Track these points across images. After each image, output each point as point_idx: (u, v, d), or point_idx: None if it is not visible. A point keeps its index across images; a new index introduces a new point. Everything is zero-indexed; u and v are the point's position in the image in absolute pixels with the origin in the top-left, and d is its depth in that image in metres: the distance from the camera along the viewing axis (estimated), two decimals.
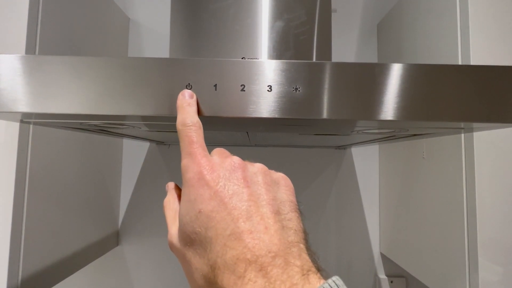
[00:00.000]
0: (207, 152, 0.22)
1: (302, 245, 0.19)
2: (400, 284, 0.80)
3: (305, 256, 0.18)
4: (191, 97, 0.26)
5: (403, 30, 0.72)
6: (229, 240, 0.18)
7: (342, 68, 0.27)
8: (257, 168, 0.22)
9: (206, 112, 0.27)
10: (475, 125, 0.30)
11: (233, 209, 0.19)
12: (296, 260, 0.17)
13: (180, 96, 0.26)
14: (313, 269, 0.17)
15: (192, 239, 0.19)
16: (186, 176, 0.21)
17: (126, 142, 0.84)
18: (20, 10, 0.46)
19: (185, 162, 0.22)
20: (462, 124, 0.30)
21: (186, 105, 0.25)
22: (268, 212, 0.19)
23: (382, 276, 0.81)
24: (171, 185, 0.26)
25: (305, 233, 0.20)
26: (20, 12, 0.46)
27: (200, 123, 0.24)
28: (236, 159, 0.22)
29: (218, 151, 0.23)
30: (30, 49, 0.47)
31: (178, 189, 0.25)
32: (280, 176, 0.23)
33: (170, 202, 0.24)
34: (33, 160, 0.48)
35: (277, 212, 0.19)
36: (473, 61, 0.47)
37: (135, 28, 0.85)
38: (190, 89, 0.27)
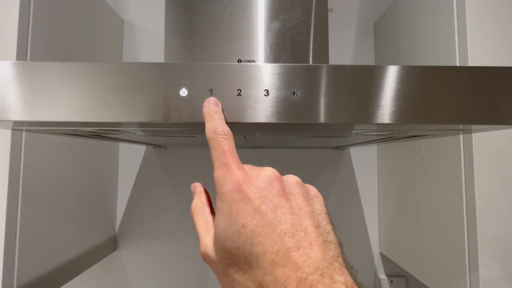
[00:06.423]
0: (241, 163, 0.21)
1: (341, 259, 0.19)
2: (400, 283, 0.80)
3: (345, 270, 0.18)
4: (217, 104, 0.25)
5: (400, 29, 0.71)
6: (277, 257, 0.17)
7: (339, 71, 0.27)
8: (292, 179, 0.22)
9: (202, 117, 0.26)
10: (474, 127, 0.30)
11: (278, 224, 0.18)
12: (340, 276, 0.17)
13: (206, 104, 0.25)
14: (356, 287, 0.17)
15: (234, 254, 0.19)
16: (224, 188, 0.20)
17: (122, 145, 0.83)
18: (11, 13, 0.45)
19: (220, 173, 0.21)
20: (460, 126, 0.30)
21: (214, 113, 0.24)
22: (310, 225, 0.19)
23: (382, 276, 0.81)
24: (198, 188, 0.24)
25: (341, 245, 0.20)
26: (11, 16, 0.45)
27: (231, 132, 0.23)
28: (271, 170, 0.21)
29: (246, 165, 0.22)
30: (21, 53, 0.46)
31: (206, 193, 0.24)
32: (310, 186, 0.23)
33: (199, 207, 0.23)
34: (27, 166, 0.47)
35: (317, 226, 0.19)
36: (471, 59, 0.47)
37: (129, 29, 0.84)
38: (185, 94, 0.26)
